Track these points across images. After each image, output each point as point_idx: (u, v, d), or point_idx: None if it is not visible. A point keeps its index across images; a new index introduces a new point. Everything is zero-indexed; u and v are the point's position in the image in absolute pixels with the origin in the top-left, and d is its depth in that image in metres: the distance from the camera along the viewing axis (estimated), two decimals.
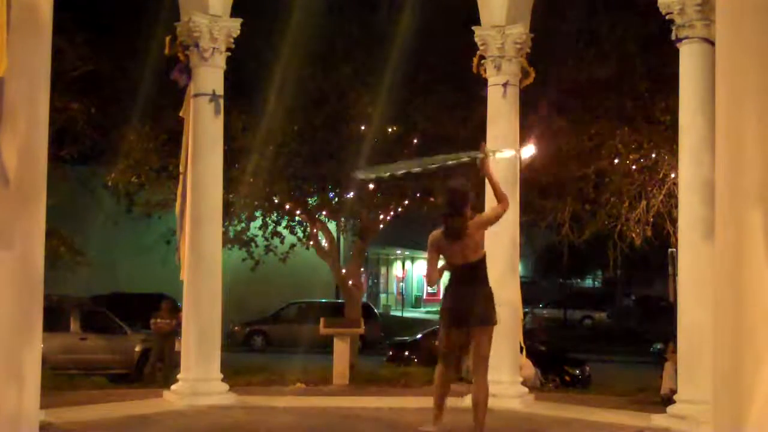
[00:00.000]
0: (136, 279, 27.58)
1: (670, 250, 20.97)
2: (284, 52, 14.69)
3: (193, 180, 10.38)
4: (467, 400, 10.43)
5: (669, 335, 14.46)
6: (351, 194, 17.03)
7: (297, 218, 18.22)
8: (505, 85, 10.60)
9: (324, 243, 18.15)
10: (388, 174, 8.27)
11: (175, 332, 16.21)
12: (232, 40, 10.56)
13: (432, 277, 7.89)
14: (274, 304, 30.32)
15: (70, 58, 14.89)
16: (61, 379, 14.20)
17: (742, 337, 5.52)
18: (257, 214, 17.89)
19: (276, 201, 17.41)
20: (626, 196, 16.08)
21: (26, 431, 6.32)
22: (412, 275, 50.48)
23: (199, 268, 10.30)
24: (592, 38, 15.44)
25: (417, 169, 8.92)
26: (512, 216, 10.66)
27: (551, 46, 14.12)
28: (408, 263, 50.10)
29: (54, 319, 15.90)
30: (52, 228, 11.61)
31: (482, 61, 10.79)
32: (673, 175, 14.77)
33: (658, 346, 23.15)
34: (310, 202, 17.72)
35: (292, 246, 18.64)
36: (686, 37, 9.21)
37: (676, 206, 10.49)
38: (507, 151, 8.76)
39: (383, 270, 48.65)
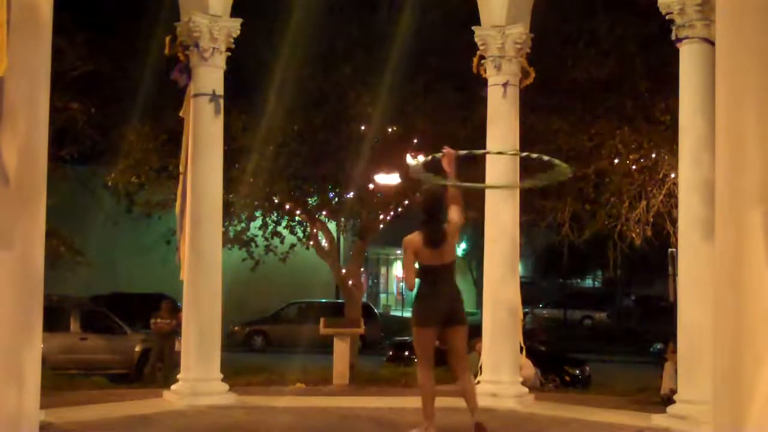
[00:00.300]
0: (136, 279, 27.58)
1: (670, 250, 20.98)
2: (284, 52, 14.69)
3: (193, 180, 10.38)
4: None
5: (669, 335, 14.45)
6: (351, 194, 17.03)
7: (297, 218, 18.22)
8: (505, 85, 10.60)
9: (324, 243, 18.15)
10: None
11: (175, 332, 16.21)
12: (232, 40, 10.55)
13: (411, 281, 7.92)
14: (274, 304, 30.32)
15: (70, 58, 14.89)
16: (61, 379, 14.20)
17: (742, 337, 5.52)
18: (257, 214, 17.89)
19: (276, 201, 17.41)
20: (626, 196, 16.08)
21: (26, 431, 6.32)
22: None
23: (199, 268, 10.30)
24: (592, 38, 15.43)
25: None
26: (512, 216, 10.67)
27: (551, 46, 14.12)
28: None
29: (54, 319, 15.91)
30: (52, 228, 11.63)
31: (482, 61, 10.79)
32: (673, 175, 14.77)
33: (658, 346, 23.16)
34: (310, 202, 17.72)
35: (292, 246, 18.64)
36: (686, 37, 9.21)
37: (676, 206, 10.48)
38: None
39: (383, 270, 48.65)
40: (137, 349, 19.21)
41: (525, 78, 10.76)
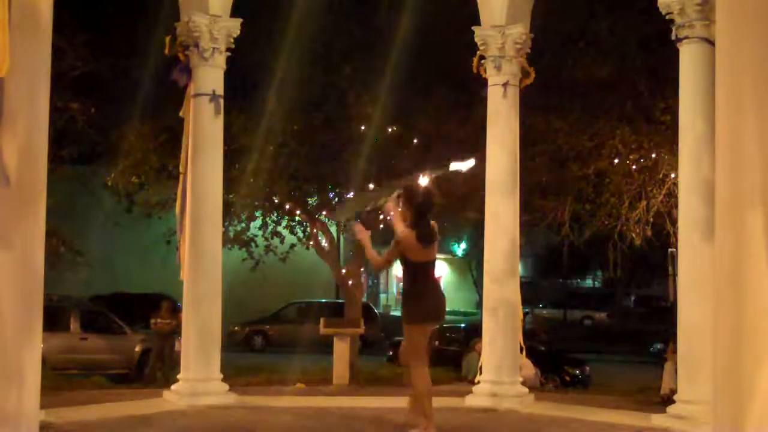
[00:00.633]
0: (136, 279, 27.59)
1: (670, 250, 21.00)
2: (284, 51, 14.69)
3: (193, 180, 10.37)
4: (468, 400, 10.46)
5: (669, 335, 14.46)
6: (351, 194, 17.03)
7: (297, 218, 18.22)
8: (505, 85, 10.59)
9: (324, 243, 18.15)
10: (363, 208, 8.40)
11: (175, 332, 16.22)
12: (232, 40, 10.55)
13: (382, 266, 8.00)
14: (274, 304, 30.32)
15: (70, 58, 14.90)
16: (61, 379, 14.21)
17: (742, 337, 5.52)
18: (257, 214, 17.89)
19: (276, 201, 17.41)
20: (626, 196, 16.09)
21: (26, 431, 6.32)
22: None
23: (199, 268, 10.29)
24: (592, 38, 15.44)
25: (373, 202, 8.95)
26: (512, 216, 10.67)
27: (552, 46, 14.13)
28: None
29: (54, 319, 15.91)
30: (52, 228, 11.63)
31: (482, 61, 10.78)
32: (673, 175, 14.78)
33: (658, 346, 23.19)
34: (310, 202, 17.72)
35: (292, 246, 18.64)
36: (686, 37, 9.21)
37: (676, 206, 10.48)
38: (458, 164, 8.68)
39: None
40: (137, 349, 19.22)
41: (525, 78, 10.75)
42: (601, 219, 16.74)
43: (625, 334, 34.86)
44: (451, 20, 14.47)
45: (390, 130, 16.64)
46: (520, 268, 11.40)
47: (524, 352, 11.08)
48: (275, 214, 18.11)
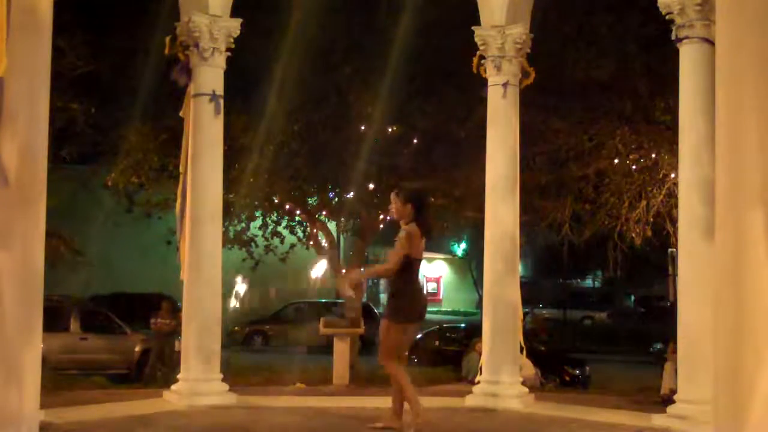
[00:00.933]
0: (136, 279, 27.60)
1: (670, 250, 21.01)
2: (284, 51, 14.69)
3: (193, 180, 10.37)
4: (468, 400, 10.45)
5: (669, 335, 14.46)
6: (351, 194, 17.04)
7: (297, 218, 18.23)
8: (505, 85, 10.59)
9: (324, 243, 18.15)
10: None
11: (175, 332, 16.22)
12: (232, 40, 10.55)
13: (395, 269, 7.94)
14: (274, 304, 30.34)
15: (70, 58, 14.89)
16: (61, 379, 14.20)
17: (742, 337, 5.52)
18: (257, 214, 17.90)
19: (276, 201, 17.42)
20: (626, 196, 16.10)
21: (26, 431, 6.32)
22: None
23: (199, 268, 10.29)
24: (592, 38, 15.44)
25: None
26: (512, 216, 10.67)
27: (552, 46, 14.13)
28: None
29: (54, 319, 15.91)
30: (52, 228, 11.61)
31: (482, 61, 10.78)
32: (673, 175, 14.78)
33: (658, 346, 23.18)
34: (310, 202, 17.73)
35: (292, 246, 18.65)
36: (686, 37, 9.21)
37: (676, 206, 10.48)
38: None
39: None
40: (137, 349, 19.22)
41: (525, 78, 10.74)
42: (601, 219, 16.75)
43: (625, 334, 34.86)
44: (450, 20, 14.48)
45: (390, 130, 16.65)
46: (520, 268, 11.40)
47: (524, 352, 11.08)
48: (275, 214, 18.12)
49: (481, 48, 10.74)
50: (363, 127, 16.09)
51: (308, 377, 14.70)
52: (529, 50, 10.77)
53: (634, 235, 16.37)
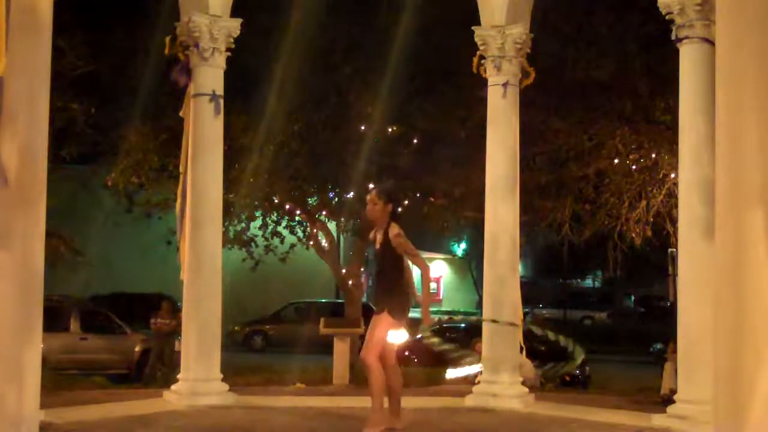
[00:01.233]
0: (136, 279, 27.59)
1: (670, 250, 21.00)
2: (284, 51, 14.69)
3: (193, 180, 10.37)
4: (468, 400, 10.46)
5: (669, 335, 14.46)
6: (351, 194, 17.04)
7: (297, 218, 18.23)
8: (505, 85, 10.59)
9: (324, 243, 18.16)
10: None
11: (175, 332, 16.22)
12: (232, 40, 10.55)
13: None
14: (274, 304, 30.33)
15: (70, 58, 14.90)
16: (61, 379, 14.20)
17: (742, 337, 5.51)
18: (257, 214, 17.90)
19: (276, 201, 17.43)
20: (626, 196, 16.10)
21: (26, 431, 6.32)
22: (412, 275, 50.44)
23: (199, 268, 10.29)
24: (592, 38, 15.44)
25: None
26: (512, 216, 10.67)
27: (552, 46, 14.14)
28: (408, 263, 50.05)
29: (54, 319, 15.90)
30: (52, 228, 11.62)
31: (482, 61, 10.78)
32: (673, 175, 14.78)
33: (658, 346, 23.16)
34: (310, 202, 17.73)
35: (292, 246, 18.65)
36: (686, 37, 9.21)
37: (676, 206, 10.48)
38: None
39: None
40: (137, 349, 19.22)
41: (525, 78, 10.75)
42: (601, 219, 16.75)
43: (625, 334, 34.84)
44: (450, 20, 14.48)
45: (390, 130, 16.66)
46: (520, 268, 11.40)
47: (524, 352, 11.08)
48: (275, 214, 18.12)
49: (481, 48, 10.74)
50: (363, 127, 16.10)
51: (308, 377, 14.69)
52: (529, 50, 10.78)
53: (634, 235, 16.37)
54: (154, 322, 18.03)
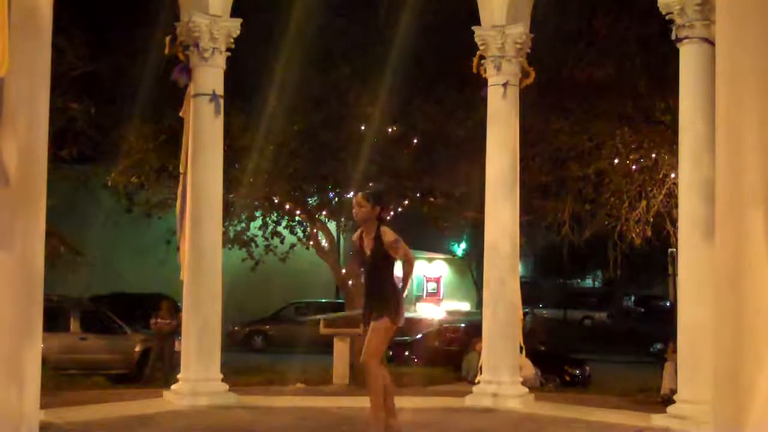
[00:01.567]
0: (136, 279, 27.57)
1: (670, 250, 21.00)
2: (284, 51, 14.69)
3: (193, 180, 10.38)
4: (468, 400, 10.46)
5: (669, 335, 14.46)
6: (351, 194, 17.03)
7: (297, 218, 18.22)
8: (505, 85, 10.60)
9: (324, 243, 18.15)
10: None
11: (175, 332, 16.21)
12: (232, 40, 10.55)
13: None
14: (274, 304, 30.31)
15: (70, 58, 14.89)
16: (61, 379, 14.19)
17: (742, 337, 5.52)
18: (257, 214, 17.89)
19: (276, 201, 17.41)
20: (626, 196, 16.10)
21: (26, 431, 6.32)
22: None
23: (199, 268, 10.30)
24: (592, 38, 15.44)
25: None
26: (512, 216, 10.67)
27: (551, 46, 14.13)
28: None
29: (54, 319, 15.89)
30: (52, 228, 11.62)
31: (482, 61, 10.79)
32: (673, 175, 14.78)
33: (658, 346, 23.17)
34: (310, 202, 17.72)
35: (292, 246, 18.64)
36: (686, 37, 9.21)
37: (676, 206, 10.48)
38: None
39: None
40: (137, 349, 19.19)
41: (525, 78, 10.75)
42: (601, 219, 16.75)
43: (625, 334, 34.82)
44: (450, 20, 14.48)
45: (390, 130, 16.65)
46: (520, 268, 11.40)
47: (524, 352, 11.09)
48: (275, 214, 18.11)
49: (481, 48, 10.75)
50: (363, 127, 16.09)
51: (308, 377, 14.69)
52: (529, 50, 10.78)
53: (634, 235, 16.37)
54: (154, 322, 18.02)
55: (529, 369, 14.09)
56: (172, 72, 10.58)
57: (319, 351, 19.28)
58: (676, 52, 9.40)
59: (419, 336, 23.16)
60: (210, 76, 10.39)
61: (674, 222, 12.88)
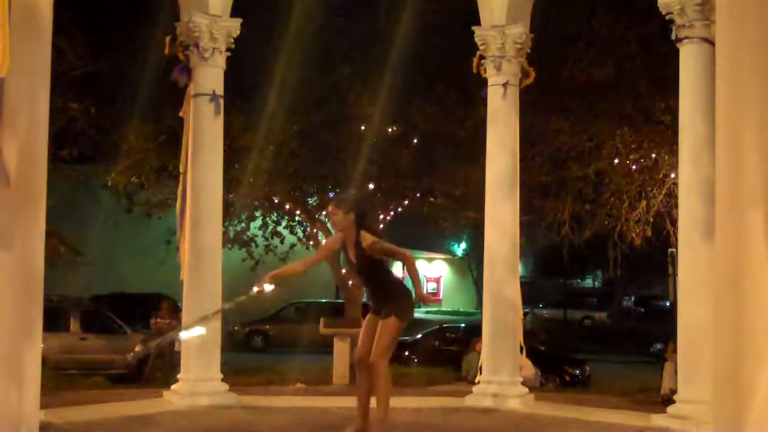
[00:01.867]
0: (136, 279, 27.58)
1: (670, 250, 21.01)
2: (284, 52, 14.69)
3: (193, 180, 10.37)
4: (468, 400, 10.46)
5: (669, 335, 14.47)
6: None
7: (297, 218, 18.23)
8: (505, 85, 10.59)
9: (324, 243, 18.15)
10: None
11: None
12: (232, 40, 10.55)
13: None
14: (274, 304, 30.32)
15: (70, 58, 14.89)
16: (61, 379, 14.19)
17: (742, 337, 5.52)
18: (257, 214, 17.90)
19: (276, 201, 17.43)
20: (626, 196, 16.11)
21: (26, 431, 6.32)
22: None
23: (199, 268, 10.29)
24: (592, 38, 15.45)
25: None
26: (512, 216, 10.67)
27: (552, 46, 14.13)
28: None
29: (54, 319, 15.90)
30: (52, 228, 11.63)
31: (482, 61, 10.78)
32: (673, 175, 14.79)
33: (658, 346, 23.17)
34: (310, 202, 17.73)
35: (292, 246, 18.65)
36: (686, 37, 9.21)
37: (676, 206, 10.48)
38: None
39: None
40: (137, 349, 19.20)
41: (525, 78, 10.75)
42: (601, 219, 16.76)
43: (625, 334, 34.84)
44: (450, 20, 14.49)
45: (390, 130, 16.66)
46: (520, 268, 11.40)
47: (524, 352, 11.08)
48: (275, 214, 18.12)
49: (481, 48, 10.74)
50: (363, 127, 16.09)
51: (308, 377, 14.69)
52: (529, 50, 10.77)
53: (634, 235, 16.38)
54: (154, 322, 18.01)
55: (529, 369, 14.10)
56: (172, 72, 10.58)
57: (319, 351, 19.30)
58: (676, 52, 9.40)
59: (419, 336, 23.16)
60: (210, 76, 10.38)
61: (674, 222, 12.88)
